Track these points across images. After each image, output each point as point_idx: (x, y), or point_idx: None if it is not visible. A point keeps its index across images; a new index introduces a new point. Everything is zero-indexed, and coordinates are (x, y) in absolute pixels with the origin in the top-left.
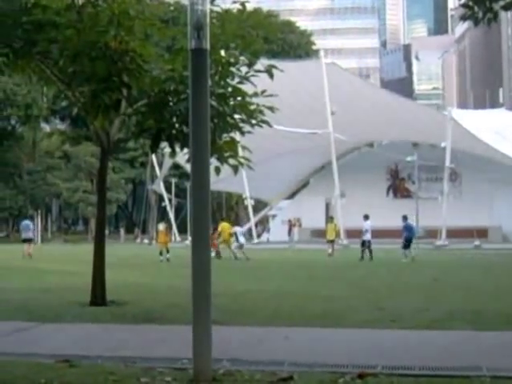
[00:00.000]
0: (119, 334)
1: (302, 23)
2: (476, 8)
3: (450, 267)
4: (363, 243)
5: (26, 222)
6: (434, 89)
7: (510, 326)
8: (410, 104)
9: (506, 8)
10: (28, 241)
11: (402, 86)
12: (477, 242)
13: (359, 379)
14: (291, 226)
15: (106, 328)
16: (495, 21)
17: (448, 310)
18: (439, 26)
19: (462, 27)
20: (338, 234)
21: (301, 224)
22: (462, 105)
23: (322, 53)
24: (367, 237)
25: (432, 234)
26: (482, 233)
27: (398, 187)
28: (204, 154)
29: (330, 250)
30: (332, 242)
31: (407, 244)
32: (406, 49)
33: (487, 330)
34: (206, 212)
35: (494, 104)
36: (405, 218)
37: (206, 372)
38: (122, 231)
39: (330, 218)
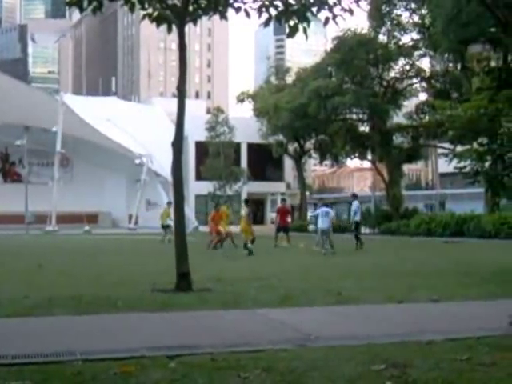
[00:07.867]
0: None
1: None
2: None
3: (57, 253)
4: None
5: None
6: (50, 72)
7: (106, 308)
8: (22, 86)
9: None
10: None
11: (17, 68)
12: (87, 227)
13: None
14: None
15: None
16: (100, 10)
17: (49, 296)
18: (57, 9)
19: (79, 13)
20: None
21: None
22: (77, 91)
23: None
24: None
25: (42, 219)
26: (92, 218)
27: (8, 171)
28: None
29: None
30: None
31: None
32: (22, 29)
33: (85, 314)
34: None
35: (107, 92)
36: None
37: None
38: None
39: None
